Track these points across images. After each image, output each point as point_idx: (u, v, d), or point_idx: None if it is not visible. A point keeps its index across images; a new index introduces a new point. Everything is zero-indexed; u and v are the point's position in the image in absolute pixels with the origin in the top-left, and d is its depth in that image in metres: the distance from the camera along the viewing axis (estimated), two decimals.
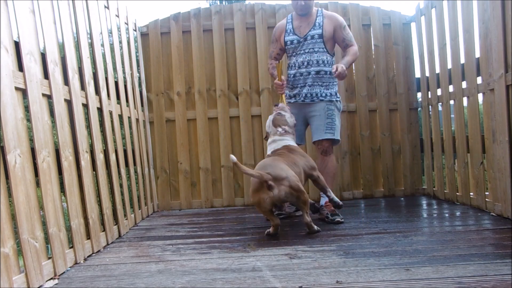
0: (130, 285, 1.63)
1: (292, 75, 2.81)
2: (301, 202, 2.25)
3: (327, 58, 2.75)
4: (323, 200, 2.76)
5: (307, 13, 2.75)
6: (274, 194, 2.16)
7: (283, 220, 2.76)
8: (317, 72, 2.73)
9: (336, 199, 2.58)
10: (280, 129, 2.59)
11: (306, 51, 2.74)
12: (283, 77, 2.79)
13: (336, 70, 2.57)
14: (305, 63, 2.75)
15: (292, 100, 2.82)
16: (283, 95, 2.81)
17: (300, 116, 2.81)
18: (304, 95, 2.77)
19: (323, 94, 2.74)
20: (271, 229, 2.32)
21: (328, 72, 2.75)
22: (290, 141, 2.58)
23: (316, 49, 2.74)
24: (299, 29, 2.77)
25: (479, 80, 2.68)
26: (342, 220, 2.61)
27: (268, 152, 2.60)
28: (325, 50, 2.74)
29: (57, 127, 1.97)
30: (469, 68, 2.78)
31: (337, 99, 2.79)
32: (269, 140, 2.65)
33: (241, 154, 3.55)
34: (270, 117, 2.69)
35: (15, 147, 1.59)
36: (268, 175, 2.16)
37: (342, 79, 2.66)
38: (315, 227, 2.34)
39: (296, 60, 2.78)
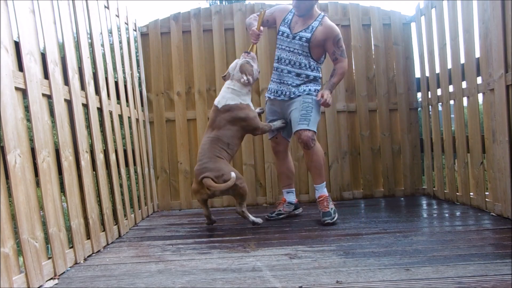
0: (130, 285, 1.63)
1: (275, 68, 2.80)
2: (236, 194, 2.51)
3: (309, 62, 2.71)
4: (317, 193, 2.73)
5: (304, 14, 2.70)
6: (211, 191, 2.47)
7: (283, 220, 2.76)
8: (298, 75, 2.71)
9: (278, 124, 2.73)
10: (245, 77, 2.62)
11: (291, 49, 2.70)
12: (261, 28, 2.76)
13: (322, 97, 2.64)
14: (288, 61, 2.72)
15: (272, 96, 2.80)
16: (255, 46, 2.81)
17: (282, 114, 2.80)
18: (284, 93, 2.73)
19: (301, 90, 2.69)
20: (207, 221, 2.68)
21: (312, 76, 2.72)
22: (245, 96, 2.64)
23: (300, 52, 2.69)
24: (295, 25, 2.72)
25: (479, 80, 2.68)
26: (332, 221, 2.57)
27: (220, 98, 2.63)
28: (309, 55, 2.70)
29: (57, 127, 1.98)
30: (469, 68, 2.78)
31: (310, 93, 2.71)
32: (229, 82, 2.66)
33: (241, 154, 3.55)
34: (238, 61, 2.69)
35: (15, 147, 1.59)
36: (209, 180, 2.43)
37: (327, 106, 2.71)
38: (250, 217, 2.52)
39: (280, 55, 2.75)
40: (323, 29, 2.67)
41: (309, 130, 2.63)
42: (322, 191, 2.72)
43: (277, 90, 2.78)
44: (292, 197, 2.90)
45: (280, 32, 2.77)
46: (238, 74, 2.64)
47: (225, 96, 2.62)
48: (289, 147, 2.95)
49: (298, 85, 2.71)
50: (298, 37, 2.69)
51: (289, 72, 2.72)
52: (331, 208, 2.64)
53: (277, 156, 2.91)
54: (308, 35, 2.67)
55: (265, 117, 2.94)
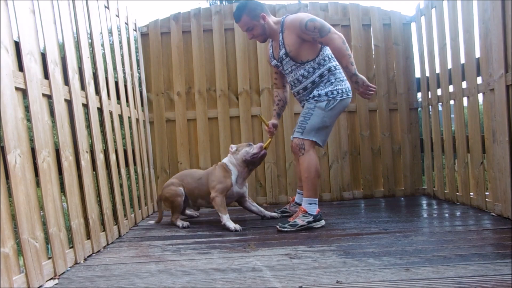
0: (130, 285, 1.63)
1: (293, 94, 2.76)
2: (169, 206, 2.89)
3: (305, 69, 2.54)
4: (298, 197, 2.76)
5: (266, 36, 2.60)
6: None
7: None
8: (304, 89, 2.59)
9: (228, 225, 2.57)
10: (231, 148, 2.79)
11: (288, 71, 2.62)
12: (269, 123, 2.82)
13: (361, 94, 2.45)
14: (293, 83, 2.64)
15: None
16: (270, 140, 2.81)
17: None
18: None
19: (311, 95, 2.56)
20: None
21: (316, 78, 2.54)
22: (226, 159, 2.77)
23: (291, 69, 2.58)
24: (275, 52, 2.64)
25: (479, 80, 2.68)
26: (280, 228, 2.44)
27: None
28: (299, 64, 2.54)
29: (57, 127, 1.98)
30: (469, 68, 2.78)
31: (325, 98, 2.50)
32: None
33: None
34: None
35: (15, 147, 1.59)
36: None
37: (370, 93, 2.42)
38: (178, 223, 2.76)
39: (288, 80, 2.70)
40: (287, 31, 2.49)
41: (300, 138, 2.49)
42: (304, 204, 2.51)
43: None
44: (300, 198, 2.88)
45: (275, 67, 2.72)
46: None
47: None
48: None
49: (310, 97, 2.56)
50: (281, 59, 2.59)
51: (300, 91, 2.62)
52: (294, 222, 2.45)
53: (295, 159, 2.89)
54: (283, 50, 2.54)
55: None
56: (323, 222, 2.52)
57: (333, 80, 2.54)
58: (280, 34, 2.53)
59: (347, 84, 2.58)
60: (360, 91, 2.44)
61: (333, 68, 2.56)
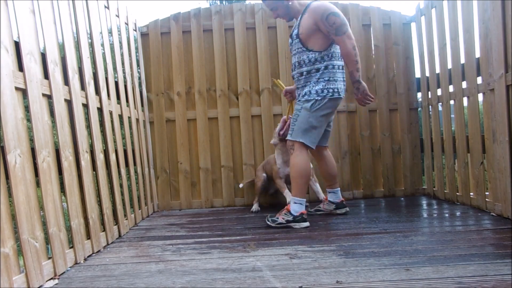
0: (130, 285, 1.63)
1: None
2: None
3: (307, 57, 2.54)
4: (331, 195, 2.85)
5: (291, 17, 2.66)
6: None
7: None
8: (300, 74, 2.61)
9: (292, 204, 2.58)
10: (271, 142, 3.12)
11: (293, 53, 2.66)
12: (289, 87, 2.91)
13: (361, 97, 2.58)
14: (293, 66, 2.67)
15: None
16: (291, 103, 2.91)
17: None
18: (297, 96, 2.72)
19: (302, 94, 2.60)
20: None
21: (313, 69, 2.54)
22: (275, 153, 3.11)
23: (296, 50, 2.61)
24: (293, 31, 2.67)
25: (479, 80, 2.68)
26: (268, 222, 2.57)
27: None
28: (304, 49, 2.54)
29: (57, 127, 1.98)
30: (469, 68, 2.78)
31: (314, 97, 2.51)
32: None
33: (241, 154, 3.55)
34: None
35: (15, 147, 1.59)
36: None
37: (368, 101, 2.57)
38: (253, 207, 3.27)
39: (292, 62, 2.72)
40: (308, 14, 2.51)
41: (290, 140, 2.57)
42: (291, 203, 2.55)
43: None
44: (332, 197, 2.91)
45: (289, 44, 2.76)
46: None
47: None
48: (323, 150, 2.84)
49: (302, 86, 2.61)
50: (292, 38, 2.65)
51: (296, 75, 2.66)
52: (276, 218, 2.54)
53: (315, 159, 2.94)
54: (296, 30, 2.58)
55: None
56: (304, 224, 2.52)
57: (326, 78, 2.54)
58: (301, 15, 2.58)
59: (340, 84, 2.59)
60: (358, 97, 2.59)
61: (331, 66, 2.55)
